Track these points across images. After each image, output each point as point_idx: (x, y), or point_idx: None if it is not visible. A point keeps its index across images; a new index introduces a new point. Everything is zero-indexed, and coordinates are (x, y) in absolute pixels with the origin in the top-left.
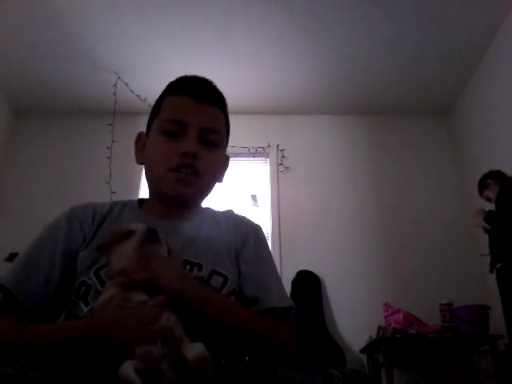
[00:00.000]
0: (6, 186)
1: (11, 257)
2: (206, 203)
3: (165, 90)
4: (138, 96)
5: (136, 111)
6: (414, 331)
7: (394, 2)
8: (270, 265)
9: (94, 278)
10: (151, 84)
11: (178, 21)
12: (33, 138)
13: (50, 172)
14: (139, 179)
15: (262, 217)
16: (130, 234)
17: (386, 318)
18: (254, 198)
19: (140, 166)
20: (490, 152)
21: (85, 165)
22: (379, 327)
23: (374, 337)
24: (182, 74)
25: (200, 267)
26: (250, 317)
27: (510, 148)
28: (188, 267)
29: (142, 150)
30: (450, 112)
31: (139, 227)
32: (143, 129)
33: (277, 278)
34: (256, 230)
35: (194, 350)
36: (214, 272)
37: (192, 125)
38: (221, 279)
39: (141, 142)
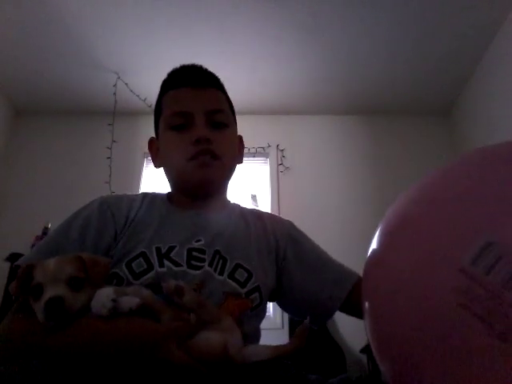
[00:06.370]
0: (5, 186)
1: (11, 257)
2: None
3: (161, 89)
4: (138, 96)
5: (136, 111)
6: None
7: (395, 3)
8: (322, 251)
9: (126, 271)
10: (151, 84)
11: (178, 21)
12: (33, 138)
13: (50, 172)
14: (139, 179)
15: None
16: None
17: None
18: (253, 197)
19: (140, 165)
20: None
21: (85, 165)
22: None
23: None
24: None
25: (225, 261)
26: None
27: None
28: (217, 257)
29: (158, 154)
30: (450, 112)
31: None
32: (143, 128)
33: (332, 260)
34: (294, 227)
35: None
36: (238, 265)
37: (197, 112)
38: (245, 274)
39: (154, 147)
